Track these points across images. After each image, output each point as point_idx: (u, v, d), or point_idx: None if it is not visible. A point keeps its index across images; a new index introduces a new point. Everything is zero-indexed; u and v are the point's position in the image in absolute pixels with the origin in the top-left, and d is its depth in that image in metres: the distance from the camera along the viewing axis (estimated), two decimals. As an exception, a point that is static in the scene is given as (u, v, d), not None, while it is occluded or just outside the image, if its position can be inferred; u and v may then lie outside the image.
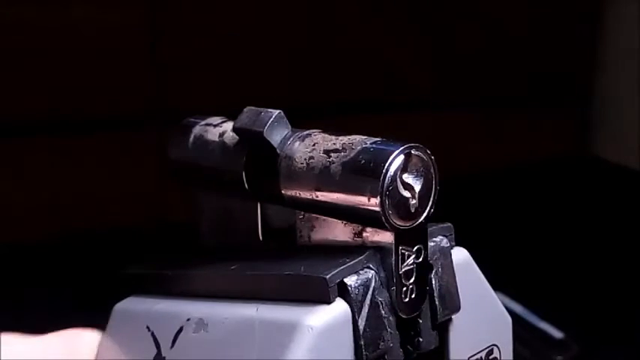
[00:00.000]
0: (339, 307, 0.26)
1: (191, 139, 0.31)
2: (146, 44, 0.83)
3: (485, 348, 0.30)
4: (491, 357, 0.31)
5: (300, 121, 0.30)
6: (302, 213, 0.30)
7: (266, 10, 0.86)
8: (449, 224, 0.30)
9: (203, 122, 0.32)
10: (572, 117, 1.01)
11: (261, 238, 0.31)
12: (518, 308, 0.56)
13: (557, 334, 0.55)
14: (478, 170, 0.93)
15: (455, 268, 0.29)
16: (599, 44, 0.99)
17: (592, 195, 0.91)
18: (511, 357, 0.31)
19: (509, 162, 0.95)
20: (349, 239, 0.28)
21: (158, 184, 0.82)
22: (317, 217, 0.29)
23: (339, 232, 0.28)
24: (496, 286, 0.58)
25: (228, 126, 0.31)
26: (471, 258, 0.30)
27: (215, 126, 0.31)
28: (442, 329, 0.29)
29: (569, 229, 0.83)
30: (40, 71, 0.79)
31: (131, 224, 0.81)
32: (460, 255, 0.30)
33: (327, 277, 0.26)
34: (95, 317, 0.33)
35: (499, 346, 0.31)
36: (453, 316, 0.29)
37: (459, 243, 0.30)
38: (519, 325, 0.54)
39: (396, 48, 0.91)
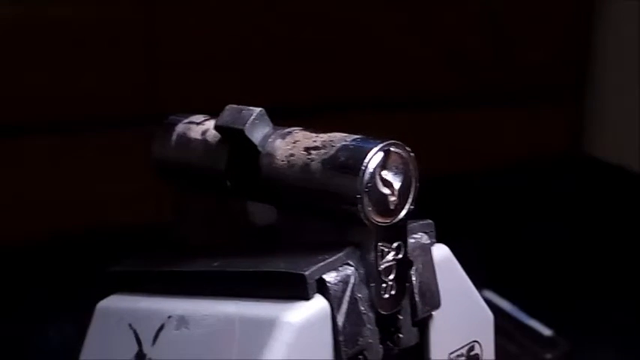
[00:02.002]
0: (318, 303, 0.27)
1: (174, 137, 0.32)
2: (144, 43, 0.83)
3: (467, 344, 0.31)
4: (472, 353, 0.31)
5: (297, 120, 0.30)
6: (283, 210, 0.30)
7: (264, 8, 0.86)
8: (429, 221, 0.30)
9: (186, 120, 0.32)
10: (566, 116, 1.01)
11: (243, 235, 0.31)
12: (507, 306, 0.56)
13: (547, 331, 0.55)
14: (472, 168, 0.93)
15: (435, 265, 0.29)
16: (595, 43, 1.00)
17: (585, 194, 0.92)
18: (493, 353, 0.31)
19: (504, 160, 0.95)
20: (330, 236, 0.28)
21: (156, 184, 0.82)
22: (298, 214, 0.29)
23: (320, 228, 0.29)
24: (486, 283, 0.59)
25: (211, 124, 0.31)
26: (451, 254, 0.30)
27: (198, 124, 0.31)
28: (422, 326, 0.29)
29: (561, 227, 0.83)
30: (37, 70, 0.79)
31: (129, 224, 0.81)
32: (441, 251, 0.30)
33: (306, 273, 0.27)
34: (83, 316, 0.33)
35: (480, 342, 0.31)
36: (433, 313, 0.29)
37: (452, 240, 0.30)
38: (509, 322, 0.54)
39: (394, 46, 0.91)
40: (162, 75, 0.84)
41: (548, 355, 0.53)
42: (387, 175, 0.27)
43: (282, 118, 0.30)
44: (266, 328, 0.26)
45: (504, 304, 0.56)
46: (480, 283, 0.56)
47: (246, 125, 0.29)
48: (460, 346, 0.30)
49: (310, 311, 0.26)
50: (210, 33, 0.84)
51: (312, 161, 0.28)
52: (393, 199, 0.28)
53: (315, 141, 0.28)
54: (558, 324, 0.56)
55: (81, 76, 0.81)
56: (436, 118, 0.94)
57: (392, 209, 0.28)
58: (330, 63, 0.89)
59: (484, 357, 0.31)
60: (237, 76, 0.84)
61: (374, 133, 0.28)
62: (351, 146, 0.27)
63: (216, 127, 0.30)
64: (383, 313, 0.28)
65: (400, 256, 0.28)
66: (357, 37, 0.89)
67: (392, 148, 0.27)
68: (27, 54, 0.79)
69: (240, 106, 0.30)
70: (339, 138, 0.28)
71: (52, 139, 0.81)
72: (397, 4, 0.91)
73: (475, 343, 0.31)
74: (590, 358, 0.58)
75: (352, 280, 0.27)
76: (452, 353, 0.30)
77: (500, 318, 0.55)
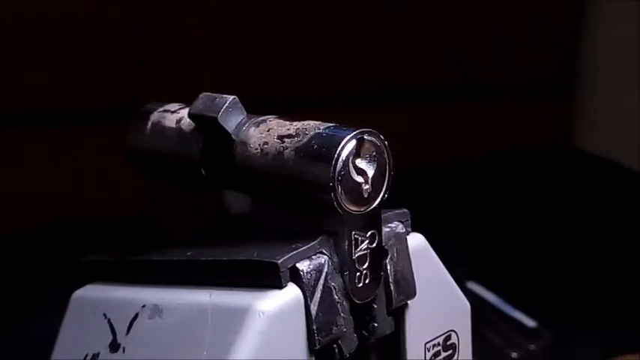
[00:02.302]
0: (291, 291, 0.26)
1: (149, 125, 0.31)
2: (143, 43, 0.83)
3: (443, 333, 0.30)
4: (449, 342, 0.30)
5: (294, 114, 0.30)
6: (257, 198, 0.29)
7: (264, 8, 0.86)
8: (405, 210, 0.29)
9: (161, 109, 0.32)
10: (555, 109, 1.01)
11: (218, 224, 0.31)
12: (492, 297, 0.56)
13: (530, 322, 0.55)
14: (462, 160, 0.93)
15: (411, 254, 0.29)
16: (585, 37, 1.00)
17: (571, 186, 0.92)
18: (469, 342, 0.31)
19: (494, 152, 0.95)
20: (304, 225, 0.28)
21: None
22: (272, 203, 0.29)
23: (294, 217, 0.28)
24: (471, 275, 0.59)
25: (186, 112, 0.30)
26: (427, 244, 0.30)
27: (173, 112, 0.31)
28: (398, 315, 0.29)
29: (545, 219, 0.83)
30: (36, 66, 0.79)
31: (126, 216, 0.80)
32: (416, 241, 0.29)
33: (279, 262, 0.26)
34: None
35: (457, 331, 0.31)
36: (408, 302, 0.29)
37: (439, 232, 0.30)
38: (493, 313, 0.54)
39: (392, 40, 0.91)
40: (162, 75, 0.84)
41: (532, 346, 0.53)
42: (360, 163, 0.27)
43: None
44: (239, 316, 0.26)
45: (489, 296, 0.56)
46: (465, 275, 0.56)
47: (220, 113, 0.29)
48: (436, 335, 0.30)
49: (283, 300, 0.26)
50: (210, 33, 0.84)
51: (285, 149, 0.28)
52: (366, 187, 0.27)
53: (288, 129, 0.28)
54: (542, 316, 0.56)
55: (80, 74, 0.81)
56: (436, 114, 0.94)
57: (366, 198, 0.27)
58: (330, 63, 0.89)
59: (461, 346, 0.31)
60: (237, 76, 0.84)
61: (367, 126, 0.28)
62: (324, 134, 0.27)
63: (190, 115, 0.30)
64: (357, 301, 0.28)
65: (374, 244, 0.28)
66: (357, 37, 0.89)
67: (366, 137, 0.27)
68: (26, 51, 0.79)
69: (214, 94, 0.29)
70: (312, 126, 0.28)
71: (50, 134, 0.81)
72: (397, 4, 0.90)
73: (452, 332, 0.31)
74: (573, 349, 0.58)
75: (326, 269, 0.27)
76: (428, 342, 0.30)
77: (485, 309, 0.55)
